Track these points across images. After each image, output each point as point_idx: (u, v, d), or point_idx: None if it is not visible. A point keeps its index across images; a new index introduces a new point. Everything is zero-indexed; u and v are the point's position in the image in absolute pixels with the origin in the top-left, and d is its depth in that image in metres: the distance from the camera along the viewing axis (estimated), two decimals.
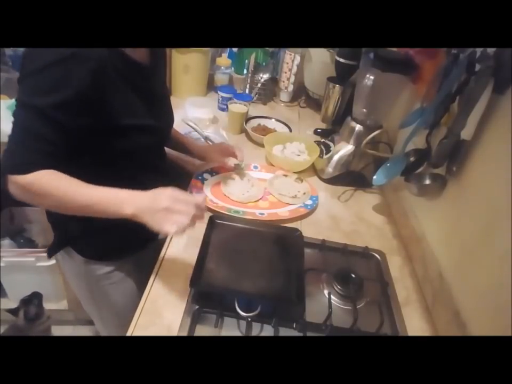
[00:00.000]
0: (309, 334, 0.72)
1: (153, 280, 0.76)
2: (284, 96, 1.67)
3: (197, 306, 0.72)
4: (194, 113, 1.35)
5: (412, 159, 0.92)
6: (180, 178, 1.36)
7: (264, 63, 1.59)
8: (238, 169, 1.09)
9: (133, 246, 0.91)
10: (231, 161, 1.04)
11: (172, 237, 0.87)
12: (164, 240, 0.88)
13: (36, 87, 0.61)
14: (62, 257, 0.89)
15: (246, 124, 1.34)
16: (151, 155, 0.84)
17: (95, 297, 0.94)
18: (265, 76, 1.58)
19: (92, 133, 0.68)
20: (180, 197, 0.65)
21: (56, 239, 0.87)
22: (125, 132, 0.72)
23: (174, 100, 1.52)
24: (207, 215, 0.83)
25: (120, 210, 0.65)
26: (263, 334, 0.72)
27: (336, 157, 1.16)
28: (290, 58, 1.55)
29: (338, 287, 0.82)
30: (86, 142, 0.69)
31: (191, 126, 1.28)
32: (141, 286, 0.78)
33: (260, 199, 1.04)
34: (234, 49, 1.66)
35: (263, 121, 1.43)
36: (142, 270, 0.88)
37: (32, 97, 0.61)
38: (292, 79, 1.59)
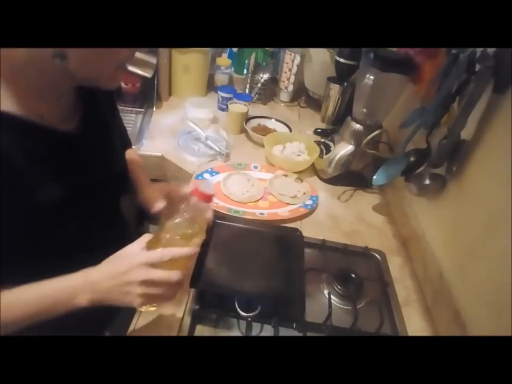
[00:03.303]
0: (309, 334, 0.72)
1: None
2: (284, 96, 1.67)
3: (197, 306, 0.72)
4: (194, 113, 1.35)
5: (412, 159, 0.91)
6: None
7: (264, 63, 1.59)
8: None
9: (105, 317, 0.77)
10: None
11: None
12: None
13: None
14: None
15: (246, 123, 1.34)
16: (104, 229, 0.67)
17: None
18: (265, 76, 1.58)
19: (16, 233, 0.52)
20: (154, 266, 0.52)
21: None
22: (56, 220, 0.57)
23: (174, 100, 1.54)
24: None
25: (76, 304, 0.51)
26: (263, 334, 0.72)
27: (336, 157, 1.16)
28: (290, 58, 1.55)
29: (338, 287, 0.82)
30: (11, 243, 0.52)
31: (191, 126, 1.29)
32: None
33: (260, 199, 1.04)
34: (234, 49, 1.66)
35: (263, 121, 1.43)
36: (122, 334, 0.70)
37: None
38: (292, 79, 1.59)
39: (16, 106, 0.49)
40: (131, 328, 0.67)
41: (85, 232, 0.62)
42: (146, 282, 0.51)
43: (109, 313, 0.78)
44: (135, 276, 0.51)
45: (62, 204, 0.56)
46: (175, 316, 0.70)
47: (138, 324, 0.68)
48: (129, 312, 0.66)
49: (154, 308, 0.58)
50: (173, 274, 0.53)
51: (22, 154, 0.49)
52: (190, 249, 0.56)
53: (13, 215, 0.51)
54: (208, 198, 0.58)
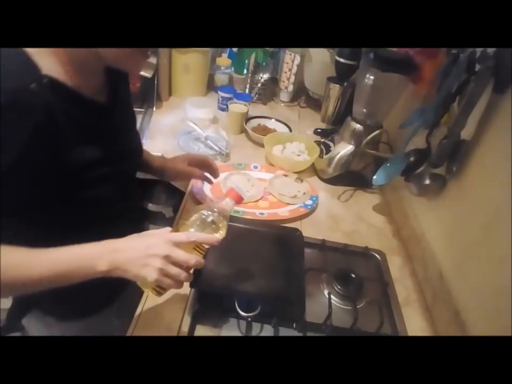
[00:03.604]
0: (309, 334, 0.72)
1: None
2: (284, 96, 1.67)
3: (197, 306, 0.72)
4: (194, 113, 1.35)
5: (412, 159, 0.92)
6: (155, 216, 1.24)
7: (264, 63, 1.59)
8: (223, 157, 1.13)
9: (113, 290, 0.80)
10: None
11: None
12: None
13: None
14: (28, 322, 0.76)
15: (246, 123, 1.34)
16: (119, 200, 0.71)
17: None
18: (265, 76, 1.58)
19: (45, 192, 0.56)
20: (177, 246, 0.55)
21: (16, 302, 0.74)
22: (85, 183, 0.61)
23: (174, 100, 1.54)
24: None
25: (93, 268, 0.53)
26: (263, 334, 0.72)
27: (336, 157, 1.16)
28: (290, 58, 1.55)
29: (338, 287, 0.82)
30: (38, 203, 0.57)
31: (191, 126, 1.29)
32: (126, 330, 0.68)
33: (260, 199, 1.04)
34: (234, 49, 1.66)
35: (263, 121, 1.43)
36: (126, 312, 0.74)
37: None
38: (292, 79, 1.59)
39: (62, 75, 0.55)
40: (131, 328, 0.67)
41: (105, 199, 0.66)
42: (167, 258, 0.54)
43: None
44: (159, 249, 0.54)
45: (90, 167, 0.60)
46: (175, 316, 0.70)
47: (138, 324, 0.68)
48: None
49: (158, 293, 0.58)
50: (192, 258, 0.56)
51: (63, 116, 0.54)
52: (213, 237, 0.59)
53: (46, 170, 0.54)
54: (239, 200, 0.64)
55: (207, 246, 0.61)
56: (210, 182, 0.95)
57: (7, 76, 0.48)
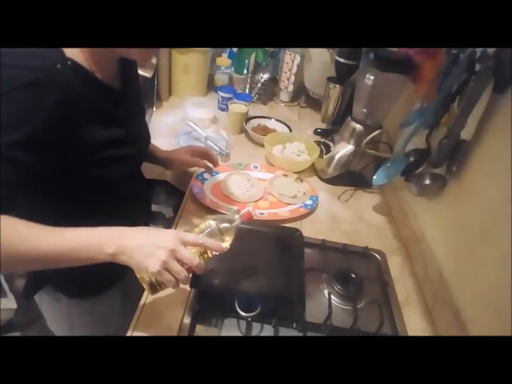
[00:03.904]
0: (309, 334, 0.72)
1: None
2: (284, 96, 1.67)
3: (197, 306, 0.72)
4: (194, 113, 1.35)
5: (412, 159, 0.92)
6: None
7: (264, 63, 1.59)
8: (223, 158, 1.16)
9: (119, 273, 0.84)
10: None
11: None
12: None
13: None
14: (40, 297, 0.81)
15: (246, 123, 1.34)
16: (128, 183, 0.74)
17: (74, 334, 0.86)
18: (265, 76, 1.58)
19: (59, 169, 0.59)
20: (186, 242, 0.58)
21: (31, 277, 0.79)
22: (98, 163, 0.64)
23: (174, 100, 1.54)
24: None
25: (100, 250, 0.54)
26: (263, 334, 0.72)
27: (336, 157, 1.16)
28: (290, 58, 1.55)
29: (338, 287, 0.82)
30: (52, 179, 0.60)
31: (191, 126, 1.29)
32: (128, 313, 0.71)
33: (260, 199, 1.04)
34: (234, 49, 1.66)
35: (263, 121, 1.43)
36: (129, 295, 0.80)
37: None
38: (292, 79, 1.59)
39: (83, 61, 0.59)
40: (131, 328, 0.67)
41: (116, 179, 0.69)
42: (173, 253, 0.55)
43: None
44: (167, 243, 0.55)
45: (103, 148, 0.64)
46: (175, 316, 0.70)
47: (138, 324, 0.68)
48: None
49: (153, 291, 0.60)
50: (195, 259, 0.57)
51: (82, 97, 0.58)
52: (220, 245, 0.62)
53: (63, 146, 0.57)
54: (249, 219, 0.67)
55: (210, 255, 0.62)
56: (210, 170, 1.03)
57: (35, 55, 0.52)
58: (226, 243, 0.64)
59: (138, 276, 0.58)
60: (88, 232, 0.55)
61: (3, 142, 0.50)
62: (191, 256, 0.57)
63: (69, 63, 0.55)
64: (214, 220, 0.63)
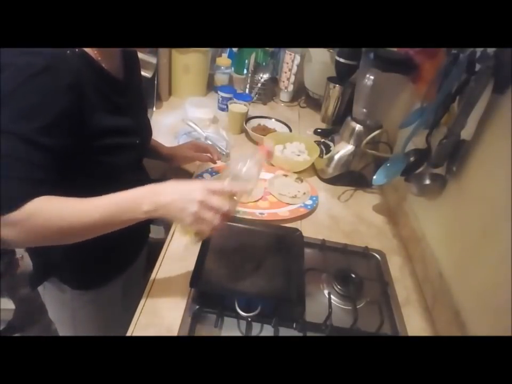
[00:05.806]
0: (309, 334, 0.72)
1: (153, 280, 0.76)
2: (284, 96, 1.67)
3: (197, 306, 0.72)
4: (194, 113, 1.35)
5: (412, 159, 0.92)
6: None
7: (264, 63, 1.59)
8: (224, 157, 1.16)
9: (120, 266, 0.88)
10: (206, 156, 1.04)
11: (171, 237, 0.87)
12: (156, 243, 0.87)
13: (14, 111, 0.52)
14: (44, 287, 0.83)
15: (246, 124, 1.34)
16: (131, 172, 0.77)
17: (76, 324, 0.88)
18: (265, 76, 1.58)
19: (73, 154, 0.61)
20: (214, 191, 0.61)
21: (37, 268, 0.81)
22: (105, 150, 0.66)
23: (174, 100, 1.54)
24: None
25: (140, 208, 0.58)
26: (263, 334, 0.72)
27: (336, 157, 1.16)
28: (290, 58, 1.55)
29: (338, 287, 0.82)
30: (68, 164, 0.62)
31: (191, 126, 1.29)
32: (129, 305, 0.73)
33: (260, 199, 1.04)
34: (234, 49, 1.66)
35: (263, 121, 1.43)
36: (131, 286, 0.85)
37: (13, 124, 0.52)
38: (292, 79, 1.59)
39: (90, 51, 0.62)
40: (131, 328, 0.67)
41: (120, 167, 0.71)
42: (203, 203, 0.58)
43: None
44: (196, 195, 0.59)
45: (107, 135, 0.66)
46: (175, 316, 0.70)
47: (138, 324, 0.68)
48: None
49: (198, 238, 0.64)
50: (225, 205, 0.61)
51: (89, 84, 0.60)
52: (246, 187, 0.65)
53: (72, 130, 0.59)
54: (270, 156, 0.71)
55: (238, 199, 0.66)
56: (214, 162, 1.06)
57: None
58: (251, 184, 0.67)
59: (179, 230, 0.63)
60: (124, 195, 0.59)
61: (31, 129, 0.53)
62: (220, 202, 0.60)
63: (77, 50, 0.59)
64: (237, 163, 0.67)
